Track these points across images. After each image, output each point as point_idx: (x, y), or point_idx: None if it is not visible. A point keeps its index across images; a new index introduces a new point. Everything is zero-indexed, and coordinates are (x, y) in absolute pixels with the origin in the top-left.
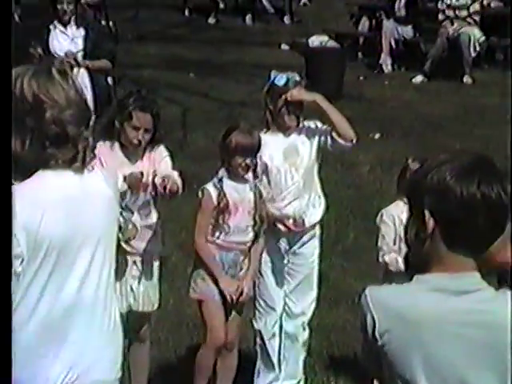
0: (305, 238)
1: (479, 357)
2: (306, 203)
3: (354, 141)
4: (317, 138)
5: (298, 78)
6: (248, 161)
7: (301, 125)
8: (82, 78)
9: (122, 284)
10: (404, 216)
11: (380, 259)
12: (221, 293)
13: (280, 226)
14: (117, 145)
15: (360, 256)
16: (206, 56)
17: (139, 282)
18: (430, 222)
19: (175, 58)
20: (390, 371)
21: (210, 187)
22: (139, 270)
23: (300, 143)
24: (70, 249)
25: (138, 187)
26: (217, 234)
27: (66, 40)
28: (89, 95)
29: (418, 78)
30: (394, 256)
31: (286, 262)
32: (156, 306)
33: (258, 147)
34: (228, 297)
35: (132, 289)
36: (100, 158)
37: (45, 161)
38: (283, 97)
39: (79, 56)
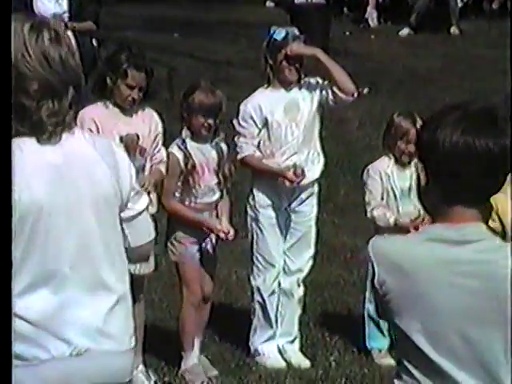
0: (303, 196)
1: (479, 308)
2: (305, 158)
3: (356, 94)
4: (318, 93)
5: (297, 33)
6: (210, 121)
7: (302, 81)
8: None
9: None
10: (389, 171)
11: (368, 214)
12: (199, 250)
13: (280, 180)
14: (109, 104)
15: (351, 212)
16: (191, 16)
17: None
18: (422, 174)
19: (159, 19)
20: (392, 321)
21: (175, 151)
22: None
23: (301, 99)
24: (59, 218)
25: (135, 149)
26: (187, 196)
27: (50, 1)
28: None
29: (405, 31)
30: (382, 210)
31: (284, 219)
32: (153, 267)
33: (220, 107)
34: (214, 235)
35: None
36: (94, 119)
37: (15, 129)
38: (283, 51)
39: (65, 17)
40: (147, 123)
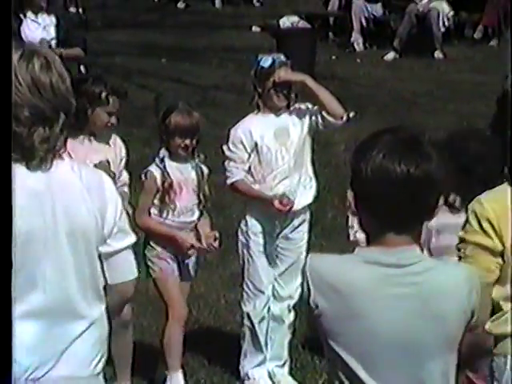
0: (295, 222)
1: (416, 329)
2: (296, 183)
3: (345, 118)
4: (307, 119)
5: (283, 59)
6: (187, 141)
7: (291, 107)
8: None
9: None
10: None
11: (351, 237)
12: (178, 265)
13: (270, 207)
14: (80, 134)
15: (339, 235)
16: (177, 41)
17: None
18: (351, 199)
19: (146, 44)
20: (325, 344)
21: (152, 169)
22: None
23: (291, 124)
24: (36, 244)
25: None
26: (164, 214)
27: (37, 28)
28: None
29: (390, 56)
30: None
31: (276, 245)
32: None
33: (197, 128)
34: (188, 250)
35: None
36: (69, 152)
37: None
38: (271, 78)
39: (53, 44)
40: (113, 148)
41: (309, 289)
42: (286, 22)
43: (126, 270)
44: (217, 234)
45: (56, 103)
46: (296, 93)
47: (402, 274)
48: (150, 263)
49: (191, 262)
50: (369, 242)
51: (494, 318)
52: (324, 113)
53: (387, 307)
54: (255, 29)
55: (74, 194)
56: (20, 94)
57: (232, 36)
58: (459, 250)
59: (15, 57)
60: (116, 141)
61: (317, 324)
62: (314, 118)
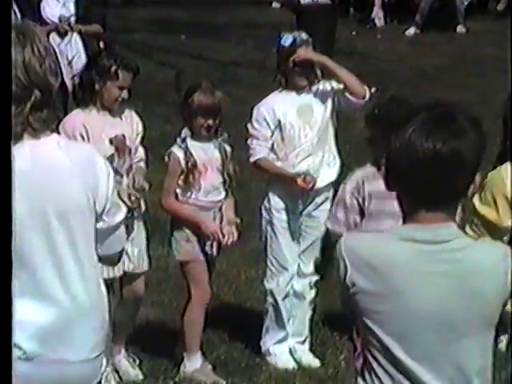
0: (318, 200)
1: (454, 308)
2: (319, 161)
3: (367, 97)
4: (330, 99)
5: (304, 37)
6: (210, 121)
7: (315, 87)
8: (75, 42)
9: None
10: None
11: (330, 226)
12: (203, 250)
13: (293, 185)
14: (93, 108)
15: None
16: (197, 17)
17: (132, 245)
18: (384, 178)
19: (166, 21)
20: (360, 321)
21: (175, 150)
22: (133, 233)
23: (314, 103)
24: (26, 227)
25: (124, 150)
26: (188, 193)
27: (57, 5)
28: (82, 60)
29: (411, 31)
30: None
31: (299, 223)
32: (147, 266)
33: (220, 107)
34: (212, 237)
35: (127, 252)
36: (84, 124)
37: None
38: (292, 57)
39: (72, 20)
40: (129, 123)
41: (345, 267)
42: None
43: (117, 242)
44: (238, 221)
45: (26, 81)
46: (321, 71)
47: (439, 250)
48: (176, 244)
49: (214, 244)
50: (404, 221)
51: None
52: (346, 92)
53: (424, 284)
54: (275, 5)
55: (62, 171)
56: None
57: (252, 12)
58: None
59: None
60: (132, 116)
61: (352, 303)
62: (336, 98)
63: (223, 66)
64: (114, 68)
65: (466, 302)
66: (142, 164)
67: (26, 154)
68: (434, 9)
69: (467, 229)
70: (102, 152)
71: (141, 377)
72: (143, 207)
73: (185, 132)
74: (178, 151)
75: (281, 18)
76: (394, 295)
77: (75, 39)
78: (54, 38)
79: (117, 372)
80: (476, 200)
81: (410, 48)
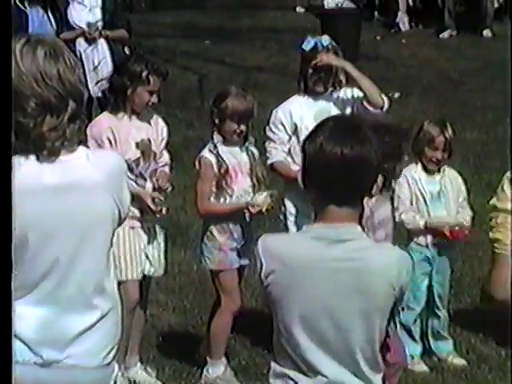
0: None
1: (350, 300)
2: None
3: (385, 107)
4: (349, 107)
5: (327, 42)
6: (243, 127)
7: (336, 93)
8: (102, 48)
9: (137, 251)
10: (417, 176)
11: (397, 219)
12: (238, 256)
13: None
14: (121, 112)
15: None
16: (221, 22)
17: (153, 248)
18: (299, 174)
19: (189, 26)
20: (273, 311)
21: (207, 155)
22: (152, 236)
23: (333, 109)
24: (49, 238)
25: (149, 155)
26: (222, 199)
27: (83, 10)
28: (108, 66)
29: (446, 34)
30: (411, 214)
31: None
32: (163, 270)
33: (252, 112)
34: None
35: (147, 255)
36: (111, 128)
37: (14, 147)
38: (313, 62)
39: (99, 26)
40: (155, 128)
41: (261, 263)
42: (330, 2)
43: None
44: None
45: (63, 91)
46: (346, 77)
47: (342, 249)
48: (207, 253)
49: (252, 244)
50: (316, 219)
51: None
52: (364, 102)
53: (324, 278)
54: (299, 9)
55: (91, 184)
56: (25, 84)
57: (276, 17)
58: (491, 219)
59: (18, 46)
60: (158, 121)
61: (266, 294)
62: (355, 106)
63: (246, 71)
64: (145, 73)
65: (359, 296)
66: (167, 169)
67: (55, 169)
68: (460, 12)
69: (493, 223)
70: (128, 156)
71: None
72: (164, 211)
73: (217, 137)
74: (209, 156)
75: (305, 22)
76: (298, 288)
77: (101, 45)
78: (81, 43)
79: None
80: (495, 201)
81: (435, 52)
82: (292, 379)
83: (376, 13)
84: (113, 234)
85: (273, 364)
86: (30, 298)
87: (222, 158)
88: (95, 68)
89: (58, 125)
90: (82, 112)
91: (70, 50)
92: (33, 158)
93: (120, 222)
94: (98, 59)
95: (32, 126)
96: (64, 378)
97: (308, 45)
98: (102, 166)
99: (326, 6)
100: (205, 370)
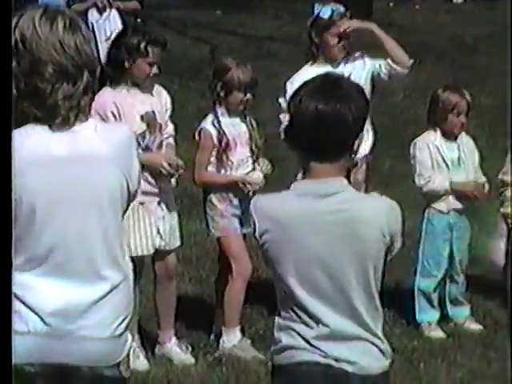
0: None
1: (341, 250)
2: None
3: (410, 64)
4: (368, 67)
5: (342, 9)
6: (249, 95)
7: (349, 56)
8: (114, 19)
9: (147, 226)
10: (438, 143)
11: (424, 188)
12: (240, 220)
13: None
14: (123, 85)
15: (397, 184)
16: None
17: (164, 222)
18: (283, 133)
19: None
20: (271, 269)
21: (208, 127)
22: (163, 210)
23: (349, 73)
24: (58, 209)
25: (155, 126)
26: (222, 170)
27: None
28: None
29: None
30: (438, 180)
31: None
32: (179, 242)
33: (257, 80)
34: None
35: (158, 230)
36: (115, 102)
37: (24, 115)
38: (332, 29)
39: None
40: (159, 99)
41: (254, 223)
42: None
43: None
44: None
45: (80, 61)
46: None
47: (329, 202)
48: (211, 222)
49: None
50: (302, 177)
51: None
52: (390, 61)
53: (315, 232)
54: None
55: (99, 157)
56: (43, 51)
57: None
58: (500, 194)
59: (36, 15)
60: (161, 92)
61: (263, 252)
62: (377, 66)
63: (258, 41)
64: (142, 45)
65: (350, 246)
66: (171, 140)
67: (63, 139)
68: None
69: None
70: (134, 129)
71: (192, 361)
72: (173, 183)
73: (220, 110)
74: (210, 128)
75: None
76: (292, 243)
77: (113, 16)
78: (93, 14)
79: (144, 348)
80: (502, 175)
81: (449, 17)
82: (295, 330)
83: None
84: (125, 208)
85: (277, 318)
86: (39, 271)
87: (224, 131)
88: (107, 39)
89: (74, 93)
90: (95, 84)
91: (82, 21)
92: (41, 128)
93: (130, 196)
94: (111, 30)
95: (49, 92)
96: (76, 348)
97: (326, 12)
98: (110, 138)
99: None
100: (221, 340)
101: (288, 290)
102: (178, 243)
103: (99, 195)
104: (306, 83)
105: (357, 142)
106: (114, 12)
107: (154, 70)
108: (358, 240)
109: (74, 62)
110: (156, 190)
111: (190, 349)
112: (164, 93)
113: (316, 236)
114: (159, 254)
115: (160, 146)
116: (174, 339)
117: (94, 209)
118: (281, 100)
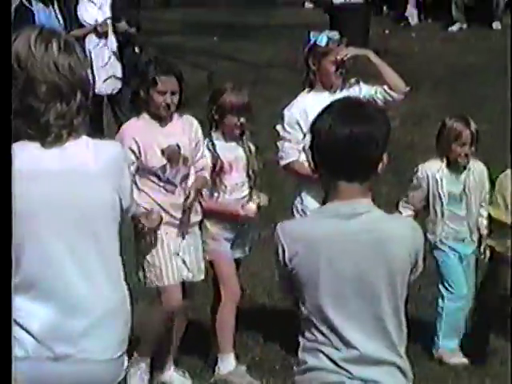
0: None
1: (371, 269)
2: None
3: (406, 91)
4: (365, 93)
5: (337, 36)
6: (242, 120)
7: (346, 86)
8: (112, 45)
9: (172, 257)
10: (439, 175)
11: (400, 205)
12: (232, 245)
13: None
14: (146, 116)
15: (393, 211)
16: (230, 19)
17: (190, 253)
18: (309, 158)
19: (199, 23)
20: (299, 294)
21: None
22: (187, 241)
23: None
24: (51, 225)
25: (177, 160)
26: (215, 194)
27: (93, 8)
28: (117, 64)
29: (455, 27)
30: (402, 209)
31: None
32: (203, 274)
33: (250, 104)
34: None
35: (184, 261)
36: (134, 137)
37: (17, 132)
38: (329, 56)
39: (108, 23)
40: (187, 131)
41: (283, 249)
42: None
43: None
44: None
45: (73, 82)
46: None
47: (358, 222)
48: (204, 245)
49: (246, 238)
50: (326, 198)
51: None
52: (386, 87)
53: (346, 252)
54: (308, 5)
55: (89, 172)
56: (37, 70)
57: (285, 13)
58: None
59: (32, 35)
60: (191, 122)
61: (291, 278)
62: (373, 92)
63: (256, 67)
64: (151, 74)
65: (380, 265)
66: (205, 173)
67: (55, 155)
68: (468, 6)
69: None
70: (153, 163)
71: None
72: (200, 213)
73: (215, 134)
74: (206, 153)
75: (314, 18)
76: (322, 264)
77: (111, 42)
78: (90, 41)
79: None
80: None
81: (445, 46)
82: (323, 352)
83: (385, 7)
84: (119, 224)
85: (301, 340)
86: (34, 293)
87: (218, 155)
88: (105, 65)
89: (67, 112)
90: (88, 106)
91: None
92: (34, 145)
93: (123, 211)
94: (108, 56)
95: (42, 111)
96: (76, 371)
97: (322, 40)
98: (101, 155)
99: (334, 1)
100: (216, 367)
101: (318, 312)
102: (202, 276)
103: (88, 211)
104: (329, 108)
105: (381, 163)
106: (112, 38)
107: (169, 99)
108: (387, 259)
109: (67, 82)
110: (175, 221)
111: (187, 375)
112: (195, 123)
113: (346, 256)
114: (183, 286)
115: (185, 178)
116: (172, 366)
117: (86, 224)
118: (278, 127)
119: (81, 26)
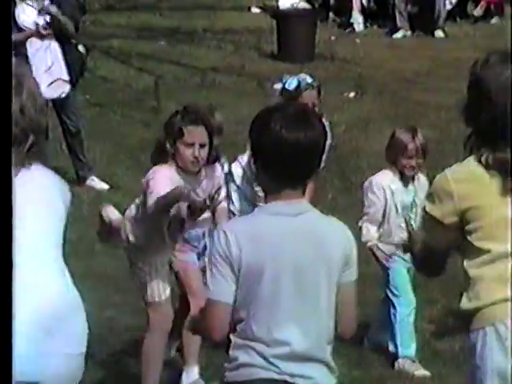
0: None
1: (310, 262)
2: None
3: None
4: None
5: (309, 81)
6: (202, 152)
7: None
8: (54, 48)
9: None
10: (394, 186)
11: (360, 223)
12: (198, 256)
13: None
14: (174, 169)
15: (339, 215)
16: (176, 23)
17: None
18: (251, 161)
19: (144, 27)
20: (239, 290)
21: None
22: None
23: None
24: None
25: (199, 213)
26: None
27: (33, 12)
28: (62, 66)
29: (399, 34)
30: (367, 226)
31: None
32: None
33: (221, 127)
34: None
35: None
36: (159, 182)
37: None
38: (303, 100)
39: (47, 28)
40: (211, 181)
41: (229, 247)
42: (285, 2)
43: None
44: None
45: (25, 126)
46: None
47: (298, 221)
48: (172, 257)
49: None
50: (267, 200)
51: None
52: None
53: (289, 249)
54: (254, 10)
55: (44, 183)
56: None
57: (231, 17)
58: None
59: None
60: (216, 169)
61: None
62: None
63: (202, 72)
64: (178, 125)
65: (319, 264)
66: (225, 204)
67: (24, 175)
68: (411, 13)
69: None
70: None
71: None
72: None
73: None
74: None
75: (260, 22)
76: (264, 260)
77: (53, 45)
78: (31, 44)
79: None
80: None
81: (389, 52)
82: (254, 349)
83: (331, 13)
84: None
85: (233, 337)
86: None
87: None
88: (48, 69)
89: (19, 153)
90: (42, 140)
91: (21, 52)
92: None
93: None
94: (51, 60)
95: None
96: (47, 365)
97: (291, 84)
98: (50, 175)
99: (281, 7)
100: (181, 379)
101: (253, 309)
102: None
103: (49, 213)
104: (269, 117)
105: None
106: (54, 42)
107: (197, 152)
108: (326, 259)
109: (18, 126)
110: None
111: None
112: (219, 169)
113: (288, 253)
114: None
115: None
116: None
117: (46, 224)
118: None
119: (20, 30)
